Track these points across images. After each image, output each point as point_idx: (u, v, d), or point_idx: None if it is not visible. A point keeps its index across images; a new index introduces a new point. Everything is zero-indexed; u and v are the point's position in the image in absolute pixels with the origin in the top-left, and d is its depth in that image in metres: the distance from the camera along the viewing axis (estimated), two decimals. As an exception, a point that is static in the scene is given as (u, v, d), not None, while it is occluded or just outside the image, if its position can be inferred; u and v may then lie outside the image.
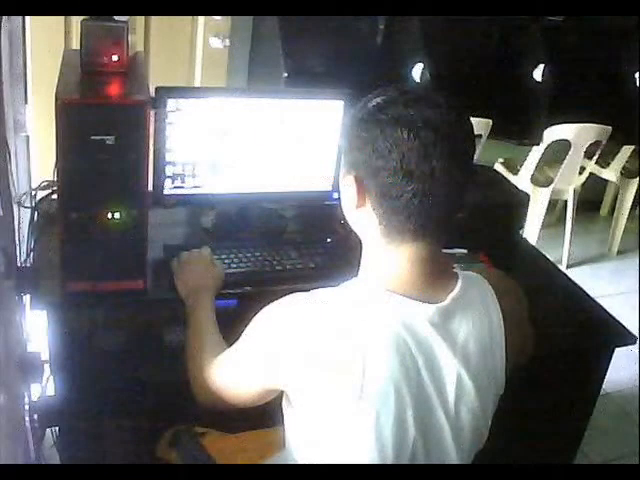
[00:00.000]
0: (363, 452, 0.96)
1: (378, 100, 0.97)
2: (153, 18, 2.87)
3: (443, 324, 0.99)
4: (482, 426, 1.06)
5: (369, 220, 1.00)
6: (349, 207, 1.02)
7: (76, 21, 2.21)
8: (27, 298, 1.56)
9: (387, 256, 1.00)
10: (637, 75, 3.67)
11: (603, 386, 1.85)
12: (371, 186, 0.97)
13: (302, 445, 1.03)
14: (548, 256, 2.05)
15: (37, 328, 1.65)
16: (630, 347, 1.73)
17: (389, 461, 0.96)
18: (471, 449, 1.07)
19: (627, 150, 3.71)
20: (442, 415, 1.00)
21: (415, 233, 0.98)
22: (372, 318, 0.96)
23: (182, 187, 1.65)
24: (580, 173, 3.56)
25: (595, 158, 3.58)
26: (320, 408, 0.96)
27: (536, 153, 3.41)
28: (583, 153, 3.43)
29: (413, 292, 0.98)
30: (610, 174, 3.84)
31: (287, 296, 1.02)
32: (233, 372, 1.12)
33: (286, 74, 2.91)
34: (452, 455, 1.03)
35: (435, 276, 1.02)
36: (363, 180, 0.98)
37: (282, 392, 1.05)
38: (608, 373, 1.79)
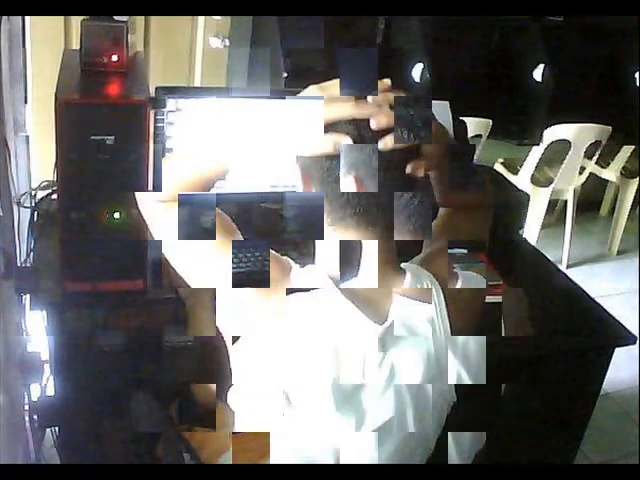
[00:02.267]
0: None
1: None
2: (153, 18, 2.87)
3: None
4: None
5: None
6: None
7: (76, 21, 2.21)
8: (27, 298, 1.56)
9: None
10: (637, 75, 3.67)
11: (603, 386, 1.85)
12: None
13: (302, 445, 1.03)
14: (548, 256, 2.05)
15: (37, 328, 1.65)
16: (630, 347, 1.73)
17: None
18: (471, 449, 1.07)
19: (627, 150, 3.70)
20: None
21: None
22: (372, 318, 0.96)
23: (182, 187, 1.64)
24: (580, 173, 3.56)
25: (595, 158, 3.58)
26: (320, 408, 0.96)
27: (536, 153, 3.40)
28: (583, 153, 3.43)
29: (412, 293, 0.98)
30: (610, 174, 3.83)
31: (287, 296, 1.01)
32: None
33: (286, 74, 2.90)
34: (452, 455, 1.03)
35: None
36: (363, 180, 0.98)
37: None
38: (608, 373, 1.79)
